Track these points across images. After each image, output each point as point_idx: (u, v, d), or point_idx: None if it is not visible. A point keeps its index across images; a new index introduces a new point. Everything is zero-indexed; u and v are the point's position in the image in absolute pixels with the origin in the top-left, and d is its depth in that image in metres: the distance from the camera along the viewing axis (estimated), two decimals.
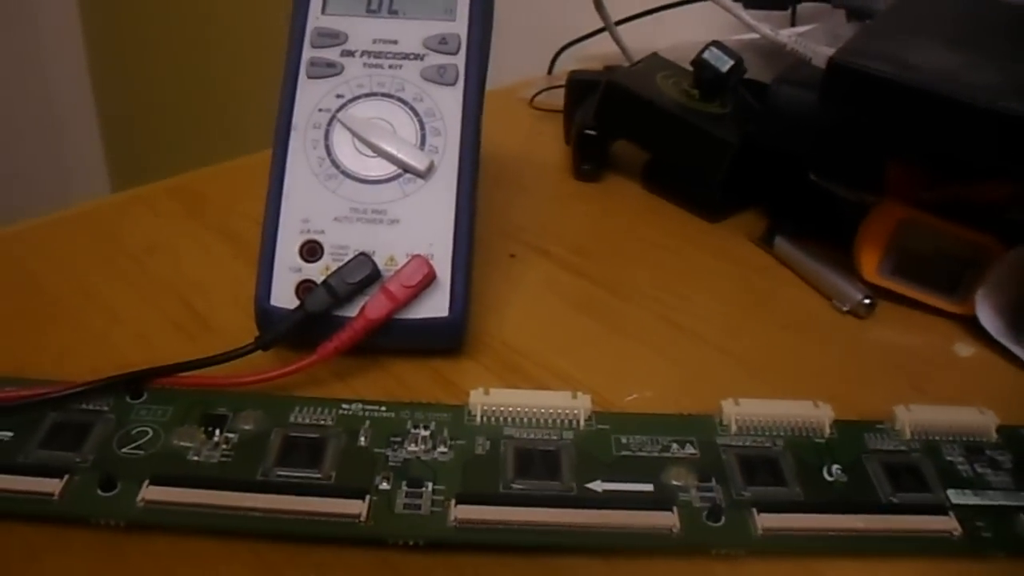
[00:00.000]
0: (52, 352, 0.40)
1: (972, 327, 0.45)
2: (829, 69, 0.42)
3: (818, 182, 0.48)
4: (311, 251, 0.38)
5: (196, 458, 0.33)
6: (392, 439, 0.34)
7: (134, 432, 0.33)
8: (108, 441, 0.33)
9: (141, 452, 0.33)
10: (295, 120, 0.40)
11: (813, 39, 0.49)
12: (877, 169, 0.46)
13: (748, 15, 0.53)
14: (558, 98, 0.66)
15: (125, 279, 0.45)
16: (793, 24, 0.68)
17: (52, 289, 0.44)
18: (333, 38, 0.42)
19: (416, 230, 0.39)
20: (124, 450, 0.33)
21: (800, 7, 0.67)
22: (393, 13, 0.43)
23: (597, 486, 0.32)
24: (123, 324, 0.42)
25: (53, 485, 0.31)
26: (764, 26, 0.51)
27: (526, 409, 0.35)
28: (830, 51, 0.44)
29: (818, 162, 0.48)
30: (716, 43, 0.53)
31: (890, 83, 0.40)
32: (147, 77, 1.62)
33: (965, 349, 0.44)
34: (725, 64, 0.53)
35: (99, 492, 0.31)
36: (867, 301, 0.45)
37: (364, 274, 0.37)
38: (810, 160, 0.49)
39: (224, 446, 0.33)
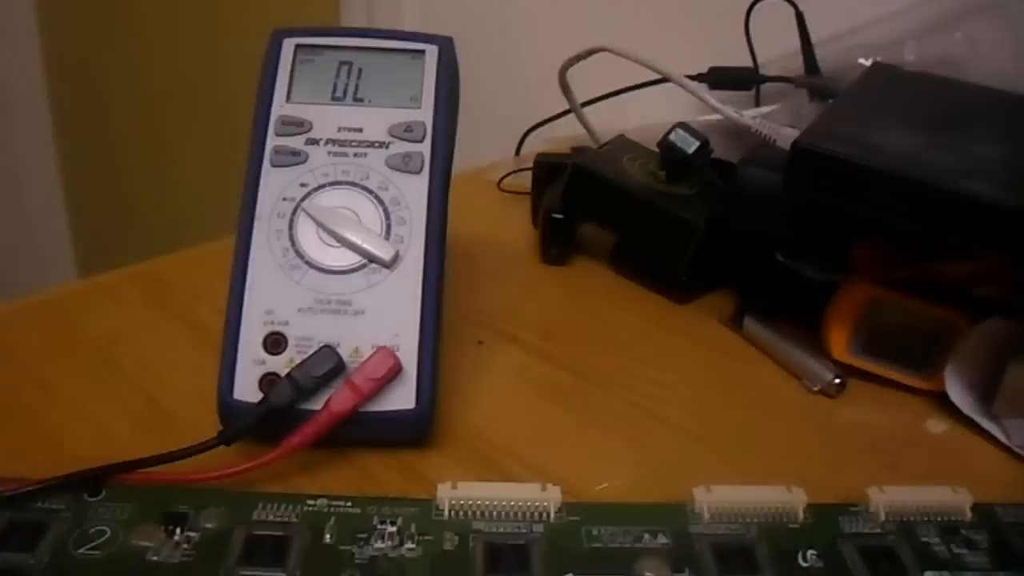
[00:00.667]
0: (8, 447, 0.39)
1: (943, 403, 0.44)
2: (793, 153, 0.43)
3: (786, 262, 0.49)
4: (275, 343, 0.38)
5: (156, 558, 0.32)
6: (358, 535, 0.33)
7: (91, 531, 0.33)
8: (64, 542, 0.32)
9: (98, 553, 0.32)
10: (259, 209, 0.40)
11: (777, 119, 0.50)
12: (844, 249, 0.46)
13: (712, 96, 0.53)
14: (526, 180, 0.66)
15: (85, 371, 0.44)
16: (757, 104, 0.69)
17: (9, 381, 0.43)
18: (298, 126, 0.42)
19: (381, 321, 0.38)
20: (81, 551, 0.32)
21: (764, 87, 0.68)
22: (358, 101, 0.43)
23: None
24: (83, 418, 0.41)
25: None
26: (728, 107, 0.52)
27: (495, 502, 0.34)
28: (794, 132, 0.45)
29: (785, 243, 0.48)
30: (682, 124, 0.54)
31: (852, 166, 0.41)
32: (115, 163, 1.62)
33: (937, 426, 0.44)
34: (691, 145, 0.53)
35: None
36: (837, 380, 0.45)
37: (329, 367, 0.37)
38: (777, 241, 0.49)
39: (185, 545, 0.32)
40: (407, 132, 0.42)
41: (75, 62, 1.62)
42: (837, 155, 0.41)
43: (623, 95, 0.71)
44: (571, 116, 0.69)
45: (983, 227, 0.39)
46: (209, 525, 0.33)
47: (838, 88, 0.58)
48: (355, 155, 0.41)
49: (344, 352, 0.37)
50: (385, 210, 0.40)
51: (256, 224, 0.40)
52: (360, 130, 0.42)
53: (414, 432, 0.39)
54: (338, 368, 0.37)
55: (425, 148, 0.42)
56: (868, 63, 0.60)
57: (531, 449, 0.40)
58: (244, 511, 0.34)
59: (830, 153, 0.42)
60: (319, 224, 0.40)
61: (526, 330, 0.50)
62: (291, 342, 0.38)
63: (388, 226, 0.40)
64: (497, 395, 0.45)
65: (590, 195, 0.55)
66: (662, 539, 0.34)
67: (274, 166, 0.41)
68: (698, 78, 0.64)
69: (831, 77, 0.62)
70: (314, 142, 0.42)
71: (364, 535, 0.33)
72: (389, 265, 0.39)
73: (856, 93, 0.51)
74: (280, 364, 0.38)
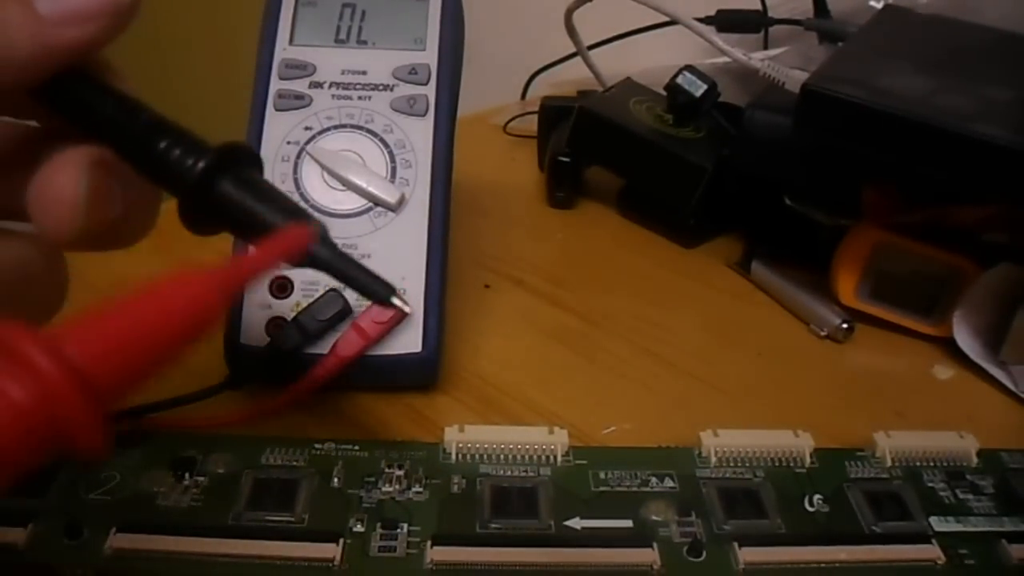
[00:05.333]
0: None
1: (950, 349, 0.44)
2: (802, 96, 0.42)
3: (794, 207, 0.48)
4: (281, 287, 0.38)
5: (165, 503, 0.32)
6: (366, 479, 0.33)
7: (101, 477, 0.33)
8: (74, 486, 0.32)
9: (108, 498, 0.32)
10: (263, 153, 0.40)
11: (786, 62, 0.49)
12: (853, 193, 0.46)
13: (720, 39, 0.53)
14: (532, 124, 0.65)
15: None
16: (766, 47, 0.68)
17: None
18: (301, 69, 0.41)
19: (387, 264, 0.38)
20: (91, 496, 0.32)
21: (772, 29, 0.68)
22: (362, 43, 0.42)
23: (575, 523, 0.32)
24: None
25: (17, 534, 0.30)
26: (737, 50, 0.51)
27: (502, 446, 0.35)
28: (803, 75, 0.44)
29: (794, 187, 0.48)
30: (689, 67, 0.53)
31: (863, 108, 0.40)
32: None
33: (944, 372, 0.44)
34: (699, 89, 0.53)
35: (66, 540, 0.30)
36: (845, 325, 0.45)
37: (335, 311, 0.37)
38: (786, 185, 0.48)
39: (194, 490, 0.32)
40: (412, 75, 0.41)
41: None
42: (847, 98, 0.41)
43: (630, 38, 0.70)
44: (577, 59, 0.68)
45: (995, 171, 0.39)
46: (217, 470, 0.33)
47: (848, 31, 0.57)
48: (359, 98, 0.41)
49: (350, 296, 0.37)
50: (390, 153, 0.40)
51: None
52: (364, 73, 0.42)
53: (421, 376, 0.39)
54: (344, 312, 0.37)
55: (430, 91, 0.41)
56: (879, 5, 0.59)
57: (538, 393, 0.40)
58: (252, 455, 0.34)
59: (840, 96, 0.41)
60: (324, 167, 0.39)
61: (533, 274, 0.50)
62: (297, 286, 0.38)
63: (393, 169, 0.40)
64: (504, 339, 0.45)
65: (597, 138, 0.55)
66: (669, 483, 0.34)
67: (278, 110, 0.41)
68: (706, 20, 0.63)
69: (841, 19, 0.61)
70: (318, 85, 0.41)
71: (372, 479, 0.33)
72: (395, 208, 0.39)
73: (866, 35, 0.50)
74: (286, 308, 0.38)
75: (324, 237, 0.24)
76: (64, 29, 0.23)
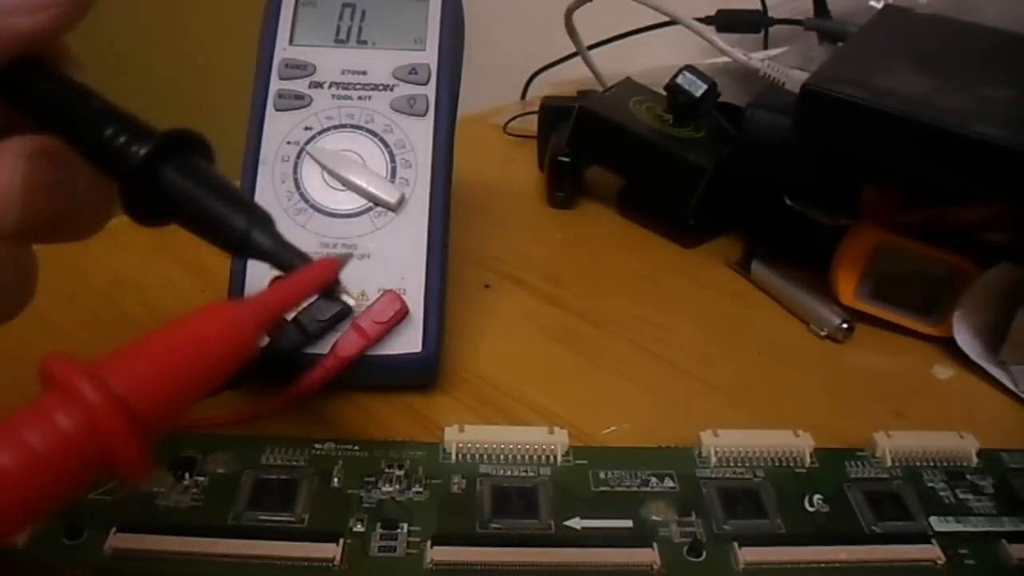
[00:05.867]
0: (16, 397, 0.39)
1: (950, 349, 0.45)
2: (802, 96, 0.42)
3: (794, 207, 0.48)
4: None
5: (165, 503, 0.32)
6: (366, 479, 0.33)
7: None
8: None
9: (108, 498, 0.32)
10: (263, 153, 0.40)
11: (786, 62, 0.49)
12: (853, 193, 0.46)
13: (720, 39, 0.53)
14: (532, 124, 0.65)
15: (91, 316, 0.44)
16: (766, 47, 0.68)
17: (16, 329, 0.43)
18: (301, 69, 0.41)
19: (388, 264, 0.38)
20: (91, 496, 0.32)
21: (772, 29, 0.68)
22: (362, 43, 0.42)
23: (575, 523, 0.32)
24: None
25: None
26: (737, 50, 0.51)
27: (502, 446, 0.35)
28: (803, 75, 0.44)
29: (794, 187, 0.48)
30: (689, 67, 0.53)
31: (863, 109, 0.40)
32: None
33: (944, 372, 0.44)
34: (699, 88, 0.53)
35: (65, 540, 0.30)
36: (845, 325, 0.45)
37: (335, 311, 0.37)
38: (786, 185, 0.48)
39: (194, 490, 0.32)
40: (412, 74, 0.41)
41: None
42: (847, 98, 0.41)
43: (630, 38, 0.70)
44: (577, 59, 0.68)
45: (995, 171, 0.39)
46: (217, 470, 0.33)
47: (848, 31, 0.57)
48: (359, 98, 0.41)
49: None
50: (390, 153, 0.40)
51: (261, 168, 0.40)
52: (364, 73, 0.42)
53: (421, 376, 0.39)
54: (344, 312, 0.37)
55: (430, 91, 0.41)
56: (879, 5, 0.59)
57: (538, 393, 0.40)
58: (252, 455, 0.34)
59: (840, 96, 0.41)
60: (324, 167, 0.39)
61: (533, 274, 0.50)
62: None
63: (393, 169, 0.40)
64: (504, 338, 0.45)
65: (596, 138, 0.55)
66: (669, 483, 0.34)
67: (278, 110, 0.41)
68: (706, 20, 0.63)
69: (841, 19, 0.61)
70: (318, 85, 0.41)
71: (372, 479, 0.33)
72: (395, 208, 0.39)
73: (867, 35, 0.50)
74: None
75: (267, 226, 0.24)
76: (16, 18, 0.22)
